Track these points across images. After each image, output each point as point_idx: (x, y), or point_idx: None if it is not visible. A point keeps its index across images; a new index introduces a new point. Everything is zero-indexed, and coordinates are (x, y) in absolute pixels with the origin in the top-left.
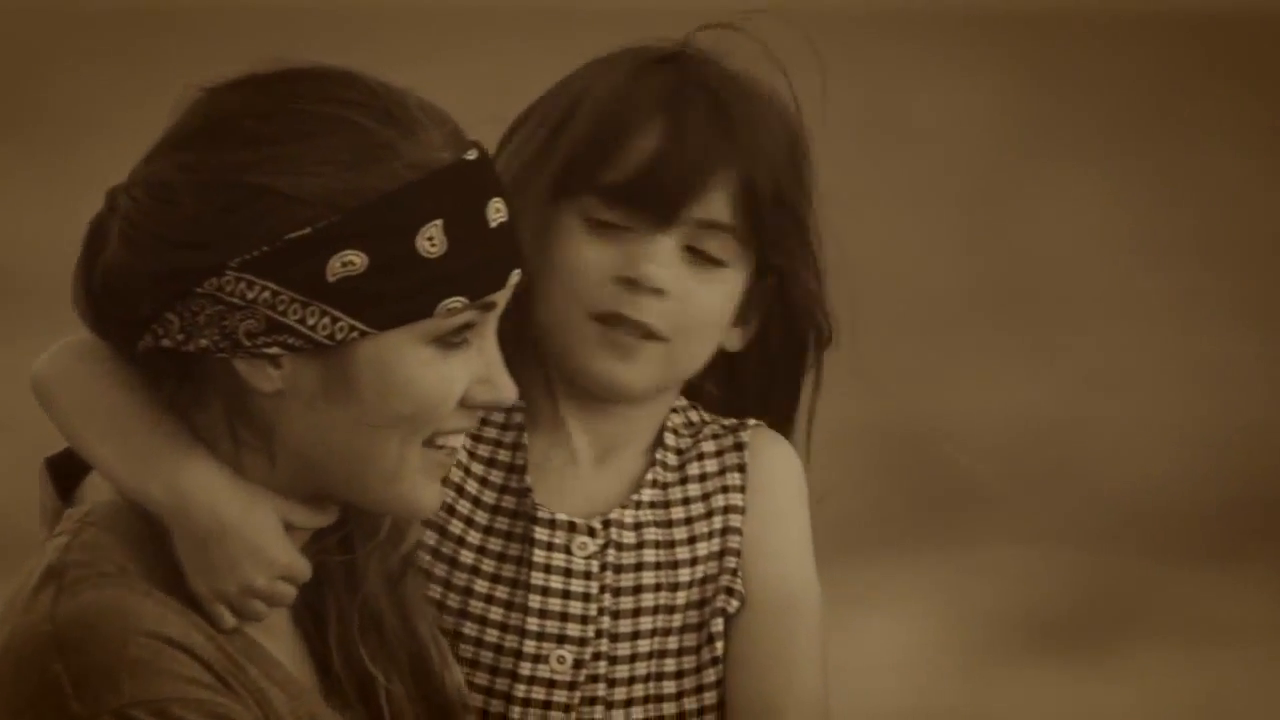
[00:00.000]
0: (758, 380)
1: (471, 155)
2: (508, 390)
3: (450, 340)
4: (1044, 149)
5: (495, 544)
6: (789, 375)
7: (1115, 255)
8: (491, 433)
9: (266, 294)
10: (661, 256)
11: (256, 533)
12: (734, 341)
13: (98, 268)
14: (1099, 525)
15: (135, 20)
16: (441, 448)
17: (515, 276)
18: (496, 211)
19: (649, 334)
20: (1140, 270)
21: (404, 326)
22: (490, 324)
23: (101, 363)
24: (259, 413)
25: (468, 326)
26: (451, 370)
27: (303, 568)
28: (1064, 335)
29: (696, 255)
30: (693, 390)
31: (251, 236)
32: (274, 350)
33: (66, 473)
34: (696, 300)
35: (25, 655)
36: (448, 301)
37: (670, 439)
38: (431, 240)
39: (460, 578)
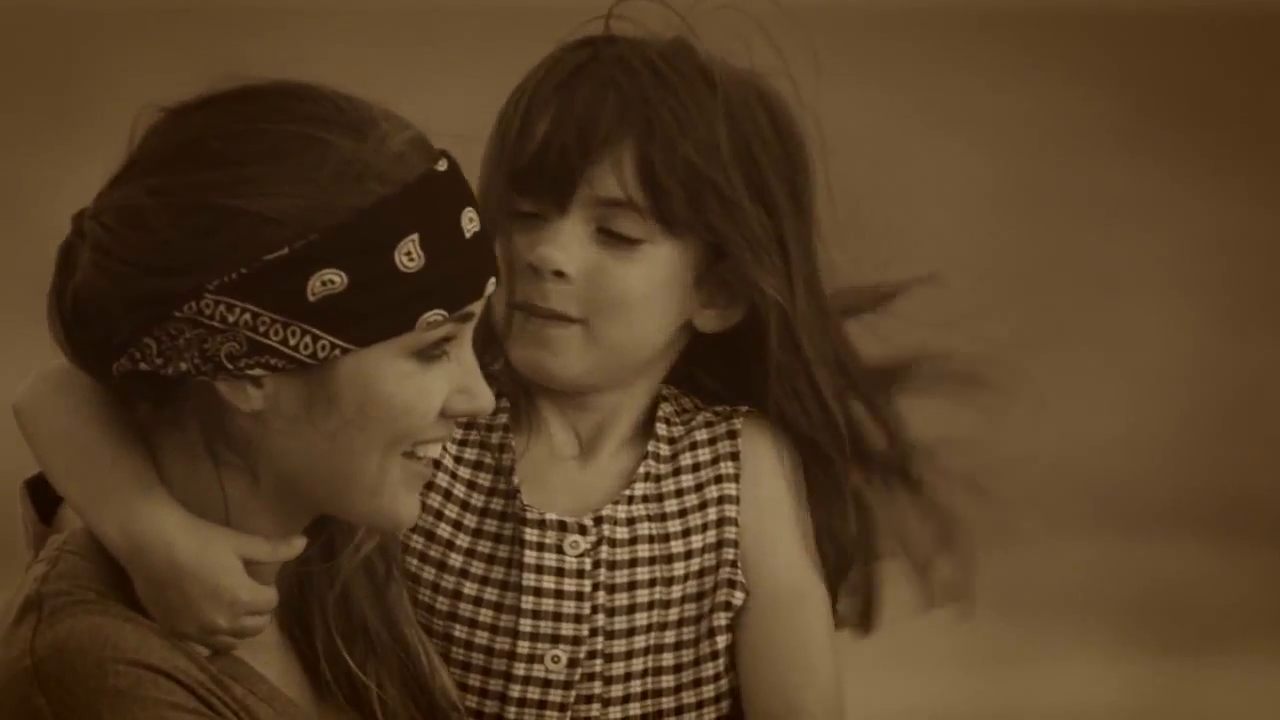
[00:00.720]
0: (735, 364)
1: (442, 166)
2: (486, 399)
3: (430, 353)
4: (1087, 148)
5: (484, 546)
6: (755, 357)
7: (1160, 255)
8: (477, 435)
9: (247, 316)
10: (560, 239)
11: (213, 573)
12: (707, 323)
13: (68, 293)
14: (1150, 526)
15: (196, 18)
16: (420, 458)
17: (492, 285)
18: (470, 221)
19: (557, 317)
20: (1185, 268)
21: (385, 341)
22: (467, 334)
23: (74, 395)
24: (238, 431)
25: (447, 339)
26: (432, 382)
27: (267, 600)
28: (1112, 335)
29: (610, 236)
30: (691, 382)
31: (228, 259)
32: (256, 371)
33: (49, 492)
34: (611, 280)
35: (9, 690)
36: (428, 315)
37: (662, 429)
38: (409, 255)
39: (448, 581)
